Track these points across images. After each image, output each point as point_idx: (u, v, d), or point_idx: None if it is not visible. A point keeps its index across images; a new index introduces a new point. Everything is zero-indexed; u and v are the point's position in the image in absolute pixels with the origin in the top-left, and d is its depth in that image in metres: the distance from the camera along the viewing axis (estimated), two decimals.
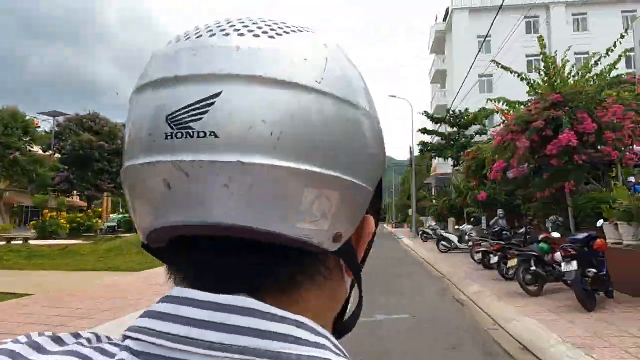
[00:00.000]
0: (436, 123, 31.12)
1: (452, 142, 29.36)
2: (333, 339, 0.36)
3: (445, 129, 31.61)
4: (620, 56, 9.83)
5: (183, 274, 0.38)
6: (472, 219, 17.23)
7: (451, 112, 29.82)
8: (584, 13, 34.56)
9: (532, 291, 7.29)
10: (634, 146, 9.50)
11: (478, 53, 24.61)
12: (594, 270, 6.15)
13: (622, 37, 9.72)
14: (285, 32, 0.37)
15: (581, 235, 6.85)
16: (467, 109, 29.58)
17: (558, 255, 7.59)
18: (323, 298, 0.39)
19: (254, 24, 0.37)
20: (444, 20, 39.70)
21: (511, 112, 11.17)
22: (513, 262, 7.56)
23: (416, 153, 33.82)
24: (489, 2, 35.42)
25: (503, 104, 11.78)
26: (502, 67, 11.37)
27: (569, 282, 6.27)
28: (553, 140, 9.05)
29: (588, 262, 6.32)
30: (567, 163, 9.27)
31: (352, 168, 0.36)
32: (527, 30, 35.21)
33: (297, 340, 0.33)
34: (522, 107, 10.51)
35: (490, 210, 15.95)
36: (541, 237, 8.10)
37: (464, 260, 13.27)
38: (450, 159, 29.66)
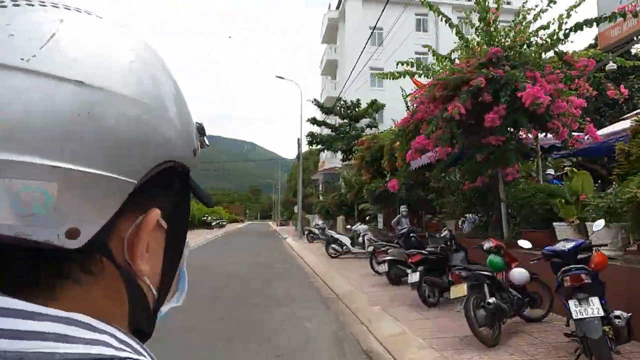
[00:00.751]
0: (326, 113, 28.70)
1: (342, 135, 27.19)
2: (121, 335, 0.34)
3: (335, 120, 29.45)
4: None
5: None
6: (367, 217, 14.70)
7: (342, 102, 27.65)
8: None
9: (488, 336, 4.41)
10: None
11: (366, 44, 22.60)
12: (619, 312, 3.40)
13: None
14: (2, 5, 0.33)
15: (567, 245, 4.16)
16: (358, 100, 27.70)
17: (518, 274, 4.89)
18: (96, 297, 0.36)
19: None
20: (337, 8, 37.78)
21: (430, 77, 8.46)
22: (459, 291, 4.59)
23: (305, 147, 31.18)
24: None
25: (430, 63, 8.89)
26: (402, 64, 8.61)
27: (583, 336, 3.38)
28: (495, 107, 6.46)
29: (595, 293, 3.60)
30: (508, 141, 6.80)
31: (85, 156, 0.32)
32: (417, 27, 34.99)
33: (64, 338, 0.31)
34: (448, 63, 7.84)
35: (388, 207, 13.51)
36: (488, 244, 5.33)
37: (361, 269, 10.38)
38: (340, 153, 27.47)
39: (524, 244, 4.74)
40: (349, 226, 15.37)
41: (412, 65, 8.78)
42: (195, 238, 23.87)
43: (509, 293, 4.81)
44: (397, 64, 9.11)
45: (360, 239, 13.44)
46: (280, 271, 11.16)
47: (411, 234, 9.10)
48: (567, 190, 6.17)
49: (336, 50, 37.69)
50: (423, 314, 5.83)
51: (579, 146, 6.79)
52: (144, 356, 0.35)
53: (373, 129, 25.96)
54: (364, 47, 22.22)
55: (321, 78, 42.58)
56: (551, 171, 9.87)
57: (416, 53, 34.61)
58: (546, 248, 4.39)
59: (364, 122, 27.72)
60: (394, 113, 20.30)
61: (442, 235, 7.12)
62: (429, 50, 8.21)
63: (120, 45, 0.37)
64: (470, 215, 8.64)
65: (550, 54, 7.24)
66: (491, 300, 4.37)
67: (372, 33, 24.74)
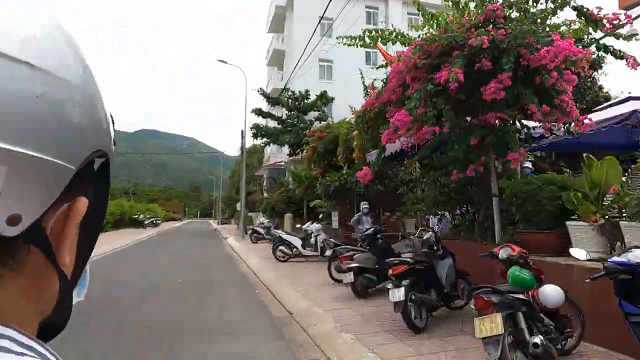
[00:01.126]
0: (273, 104, 26.82)
1: (289, 127, 25.46)
2: (22, 338, 0.32)
3: (282, 113, 27.64)
4: None
5: None
6: (321, 215, 13.12)
7: (290, 92, 25.92)
8: (416, 13, 35.01)
9: None
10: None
11: (313, 34, 21.03)
12: None
13: None
14: None
15: None
16: (307, 91, 26.11)
17: (552, 293, 3.50)
18: (13, 295, 0.34)
19: None
20: None
21: (406, 45, 6.94)
22: (492, 326, 3.05)
23: (249, 141, 29.08)
24: None
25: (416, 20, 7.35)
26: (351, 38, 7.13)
27: None
28: (499, 75, 5.08)
29: None
30: (507, 122, 5.47)
31: (36, 140, 0.32)
32: (367, 20, 34.05)
33: None
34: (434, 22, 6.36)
35: (344, 203, 12.01)
36: (506, 251, 3.90)
37: (316, 275, 8.75)
38: (287, 147, 25.70)
39: (578, 253, 3.33)
40: (299, 225, 13.70)
41: (382, 34, 7.31)
42: (120, 239, 21.00)
43: (543, 322, 3.39)
44: (364, 32, 7.62)
45: (313, 239, 11.83)
46: (219, 280, 9.24)
47: (377, 235, 7.63)
48: (584, 181, 4.92)
49: (283, 40, 35.83)
50: (414, 346, 4.29)
51: (586, 129, 5.59)
52: (49, 358, 0.33)
53: (322, 122, 24.50)
54: (312, 36, 20.58)
55: (267, 69, 40.52)
56: (529, 164, 8.83)
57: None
58: (612, 260, 3.00)
59: (313, 115, 26.20)
60: (344, 107, 18.80)
61: (424, 237, 5.66)
62: (418, 10, 6.75)
63: (56, 30, 0.36)
64: (447, 213, 7.30)
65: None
66: (537, 340, 2.89)
67: (319, 22, 23.20)
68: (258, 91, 26.24)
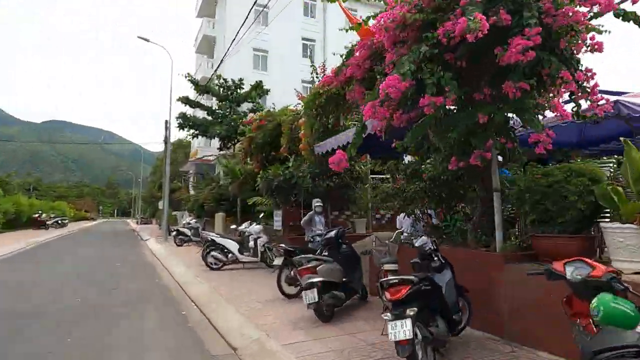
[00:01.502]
0: (202, 92, 24.38)
1: (220, 119, 23.25)
2: None
3: (212, 103, 25.27)
4: None
5: None
6: (262, 214, 11.38)
7: (222, 80, 23.71)
8: (354, 9, 34.32)
9: None
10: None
11: (245, 19, 18.90)
12: None
13: None
14: None
15: None
16: (241, 79, 24.07)
17: None
18: None
19: None
20: None
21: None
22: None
23: (175, 135, 26.25)
24: None
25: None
26: None
27: None
28: (526, 30, 3.85)
29: None
30: (526, 95, 4.27)
31: None
32: (304, 12, 32.67)
33: None
34: None
35: (289, 201, 10.43)
36: (572, 268, 2.62)
37: (262, 289, 7.06)
38: (217, 140, 23.44)
39: None
40: (233, 226, 11.84)
41: None
42: (10, 243, 17.47)
43: None
44: None
45: (252, 243, 10.10)
46: (132, 298, 7.20)
47: (340, 239, 6.17)
48: (626, 171, 3.85)
49: (214, 26, 33.25)
50: None
51: (604, 112, 4.58)
52: None
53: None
54: (244, 21, 18.11)
55: (196, 56, 37.53)
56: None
57: (303, 39, 32.45)
58: None
59: (247, 106, 24.20)
60: (279, 102, 17.02)
61: (418, 243, 4.29)
62: None
63: None
64: (433, 211, 6.04)
65: None
66: None
67: (254, 5, 21.19)
68: (186, 77, 23.65)
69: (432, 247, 4.21)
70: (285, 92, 19.44)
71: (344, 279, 5.50)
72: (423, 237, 4.36)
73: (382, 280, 3.56)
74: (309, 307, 5.03)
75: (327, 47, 31.06)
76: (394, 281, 3.47)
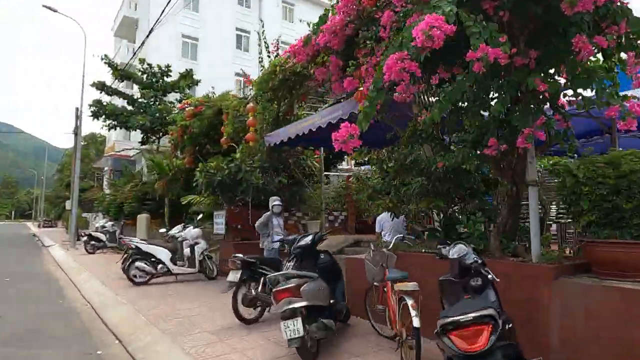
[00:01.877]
0: (122, 78, 21.49)
1: (143, 109, 20.61)
2: None
3: (133, 92, 22.40)
4: None
5: None
6: (201, 216, 9.57)
7: (146, 66, 21.08)
8: (292, 4, 33.02)
9: None
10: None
11: (173, 4, 16.56)
12: None
13: None
14: None
15: None
16: (169, 66, 21.60)
17: None
18: None
19: None
20: None
21: None
22: None
23: (88, 127, 22.87)
24: None
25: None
26: None
27: None
28: None
29: None
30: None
31: None
32: (239, 2, 30.73)
33: None
34: None
35: (234, 201, 8.79)
36: None
37: (212, 315, 5.41)
38: (139, 132, 20.71)
39: None
40: (163, 230, 9.86)
41: None
42: None
43: None
44: None
45: (187, 250, 8.32)
46: (20, 331, 5.18)
47: (314, 244, 4.81)
48: None
49: (137, 7, 30.03)
50: None
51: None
52: None
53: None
54: (168, 5, 15.04)
55: (114, 40, 33.73)
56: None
57: (237, 29, 30.46)
58: None
59: (174, 97, 21.73)
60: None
61: (453, 253, 3.09)
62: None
63: None
64: (435, 212, 4.88)
65: None
66: None
67: None
68: (102, 59, 20.66)
69: (477, 260, 3.04)
70: (216, 84, 17.46)
71: (331, 301, 4.15)
72: (460, 245, 3.16)
73: (445, 322, 2.25)
74: (291, 345, 3.59)
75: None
76: (470, 318, 2.19)
